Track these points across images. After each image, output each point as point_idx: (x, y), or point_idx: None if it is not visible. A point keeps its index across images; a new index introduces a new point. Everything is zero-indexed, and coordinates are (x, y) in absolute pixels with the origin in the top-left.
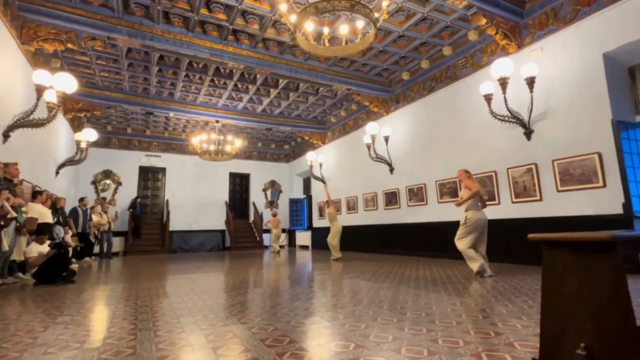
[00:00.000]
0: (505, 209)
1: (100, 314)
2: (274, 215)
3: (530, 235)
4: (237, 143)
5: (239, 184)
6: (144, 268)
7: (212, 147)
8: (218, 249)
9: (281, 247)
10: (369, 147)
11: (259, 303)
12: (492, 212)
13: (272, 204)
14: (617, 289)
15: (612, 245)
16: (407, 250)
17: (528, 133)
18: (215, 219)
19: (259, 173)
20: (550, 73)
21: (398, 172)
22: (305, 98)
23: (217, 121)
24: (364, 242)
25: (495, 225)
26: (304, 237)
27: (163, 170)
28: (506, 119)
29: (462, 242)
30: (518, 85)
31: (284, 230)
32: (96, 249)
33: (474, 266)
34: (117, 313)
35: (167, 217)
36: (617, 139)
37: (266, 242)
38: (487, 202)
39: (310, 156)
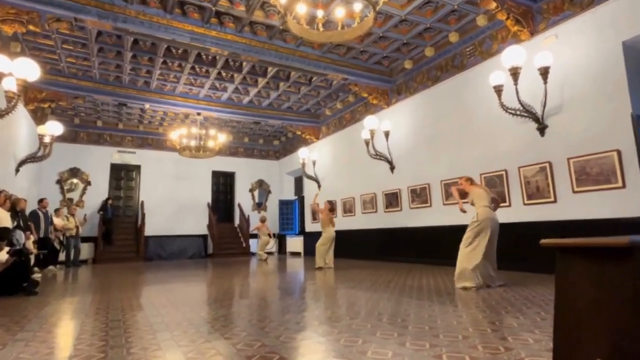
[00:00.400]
0: (516, 211)
1: (65, 329)
2: (263, 220)
3: (543, 241)
4: (220, 138)
5: (223, 184)
6: (116, 277)
7: (192, 143)
8: (199, 256)
9: (269, 254)
10: (367, 143)
11: (245, 316)
12: (503, 215)
13: (259, 206)
14: (637, 299)
15: (631, 251)
16: (410, 257)
17: (542, 128)
18: (196, 222)
19: (246, 171)
20: (566, 62)
21: (399, 170)
22: (297, 88)
23: (198, 113)
24: (362, 248)
25: (505, 230)
26: (295, 243)
27: (137, 168)
28: (518, 112)
29: (466, 253)
30: (531, 76)
31: (273, 235)
32: (62, 257)
33: (465, 283)
34: (85, 328)
35: (142, 221)
36: (638, 134)
37: (253, 249)
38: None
39: (303, 153)
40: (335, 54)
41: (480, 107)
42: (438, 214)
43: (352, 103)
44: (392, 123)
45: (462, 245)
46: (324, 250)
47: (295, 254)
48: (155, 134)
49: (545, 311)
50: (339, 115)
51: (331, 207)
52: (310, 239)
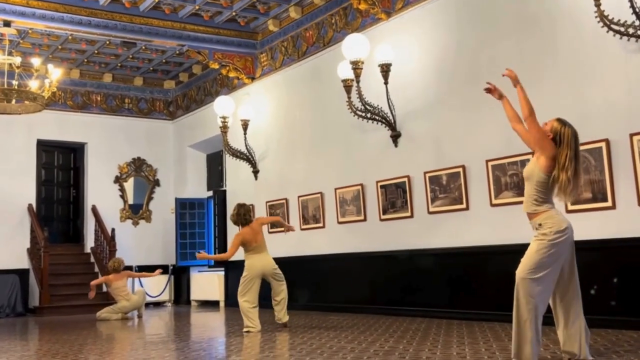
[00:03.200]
0: (627, 218)
1: None
2: (115, 268)
3: None
4: (55, 74)
5: (62, 168)
6: None
7: None
8: (12, 313)
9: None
10: (348, 87)
11: None
12: (601, 225)
13: (136, 210)
14: None
15: None
16: (430, 304)
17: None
18: (5, 246)
19: (108, 142)
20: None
21: (410, 140)
22: None
23: (5, 24)
24: (341, 289)
25: (603, 252)
26: (207, 283)
27: None
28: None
29: (527, 285)
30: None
31: (163, 270)
32: None
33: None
34: None
35: None
36: None
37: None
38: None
39: (223, 106)
40: None
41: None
42: (482, 224)
43: (321, 7)
44: (397, 47)
45: (518, 274)
46: (248, 300)
47: (209, 304)
48: None
49: None
50: (293, 31)
51: (239, 218)
52: (238, 275)
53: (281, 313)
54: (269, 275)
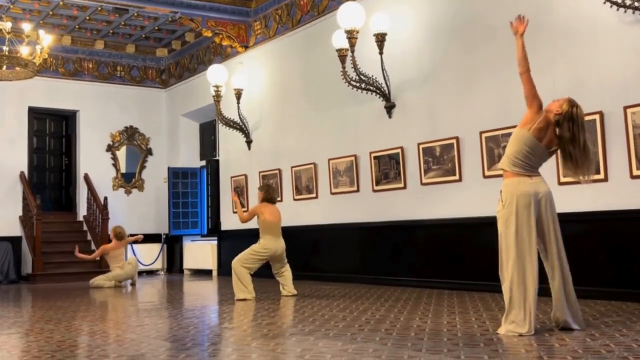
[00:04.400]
0: (619, 190)
1: None
2: (118, 236)
3: None
4: (45, 41)
5: (54, 136)
6: None
7: None
8: (5, 281)
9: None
10: (343, 57)
11: None
12: (593, 197)
13: (129, 179)
14: None
15: None
16: (421, 274)
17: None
18: None
19: (100, 110)
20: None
21: (404, 112)
22: None
23: None
24: (333, 259)
25: (595, 224)
26: (200, 252)
27: None
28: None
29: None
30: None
31: (156, 239)
32: None
33: (519, 325)
34: None
35: None
36: None
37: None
38: (589, 178)
39: (216, 74)
40: None
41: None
42: (474, 196)
43: None
44: (393, 18)
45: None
46: (249, 268)
47: (202, 273)
48: None
49: None
50: (287, 0)
51: (268, 193)
52: (231, 244)
53: (290, 286)
54: (276, 258)
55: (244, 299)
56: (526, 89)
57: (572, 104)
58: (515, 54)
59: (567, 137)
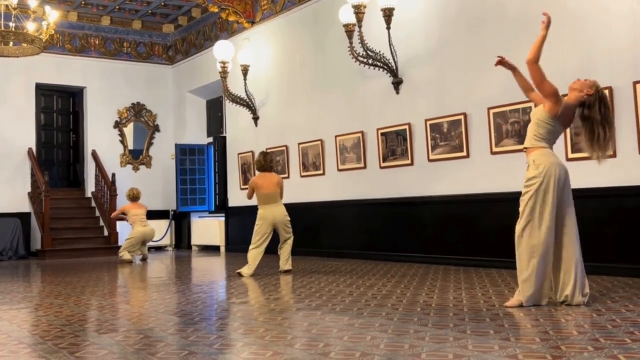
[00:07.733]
0: (627, 166)
1: None
2: (133, 197)
3: None
4: (52, 17)
5: (61, 113)
6: None
7: None
8: (15, 256)
9: (159, 249)
10: (350, 32)
11: None
12: (601, 173)
13: (137, 156)
14: None
15: None
16: (427, 251)
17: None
18: (4, 189)
19: (107, 87)
20: None
21: (412, 88)
22: None
23: None
24: (338, 235)
25: (603, 199)
26: (208, 229)
27: None
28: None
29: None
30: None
31: (164, 215)
32: None
33: (526, 290)
34: None
35: None
36: None
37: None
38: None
39: (223, 50)
40: None
41: None
42: (481, 172)
43: None
44: None
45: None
46: (260, 244)
47: (210, 248)
48: None
49: None
50: None
51: (259, 162)
52: (239, 221)
53: (282, 261)
54: (279, 225)
55: (239, 274)
56: (538, 76)
57: (599, 87)
58: (535, 42)
59: (598, 119)
